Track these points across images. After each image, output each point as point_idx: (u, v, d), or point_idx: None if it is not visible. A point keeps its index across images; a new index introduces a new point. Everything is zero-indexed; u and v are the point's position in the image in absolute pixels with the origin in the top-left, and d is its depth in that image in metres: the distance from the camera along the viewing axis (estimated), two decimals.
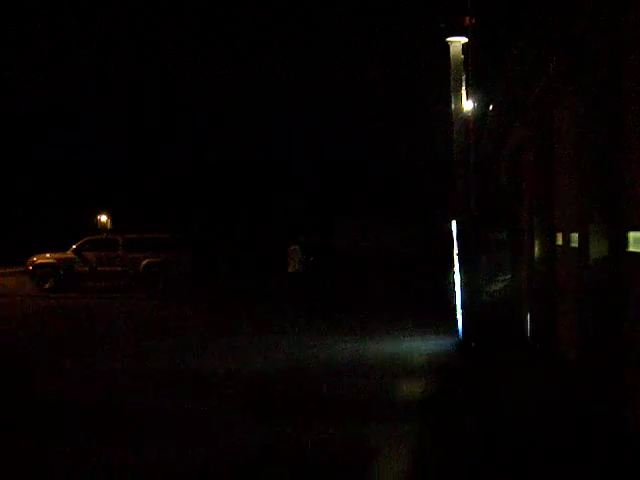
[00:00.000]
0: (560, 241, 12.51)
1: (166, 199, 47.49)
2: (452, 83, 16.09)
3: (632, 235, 8.16)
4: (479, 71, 17.70)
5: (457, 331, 16.05)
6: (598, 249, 8.96)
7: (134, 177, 48.32)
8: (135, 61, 46.47)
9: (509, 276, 16.16)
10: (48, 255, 30.50)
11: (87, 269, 29.88)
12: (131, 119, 47.39)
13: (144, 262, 29.25)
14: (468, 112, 17.55)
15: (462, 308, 15.54)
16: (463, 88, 16.49)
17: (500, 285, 15.85)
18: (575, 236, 10.50)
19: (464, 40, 16.37)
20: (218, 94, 46.19)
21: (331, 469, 7.91)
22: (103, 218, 56.28)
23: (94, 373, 12.99)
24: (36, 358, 14.72)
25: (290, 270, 23.15)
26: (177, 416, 9.98)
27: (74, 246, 30.38)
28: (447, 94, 16.48)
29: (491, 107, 18.65)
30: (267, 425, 9.43)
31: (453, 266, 16.25)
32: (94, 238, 31.80)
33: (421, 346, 15.68)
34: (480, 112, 19.48)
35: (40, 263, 30.14)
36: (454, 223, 15.95)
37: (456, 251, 15.85)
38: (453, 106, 16.23)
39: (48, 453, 8.36)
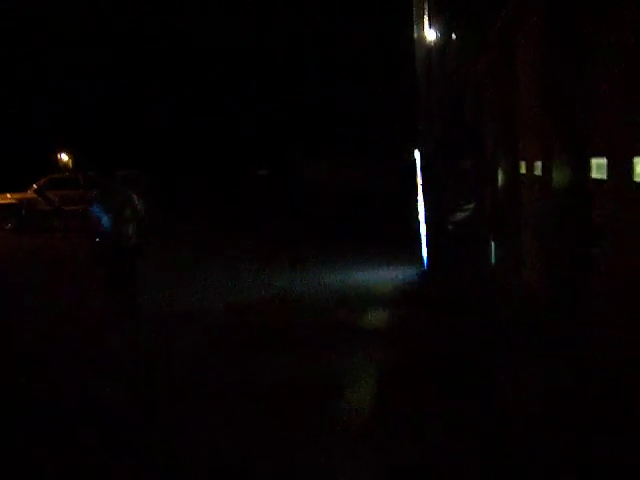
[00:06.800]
0: (524, 169, 12.56)
1: (129, 136, 46.70)
2: (414, 11, 15.89)
3: (595, 162, 8.19)
4: None
5: (422, 261, 16.12)
6: (562, 176, 9.00)
7: (96, 113, 47.36)
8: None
9: (473, 205, 16.22)
10: (9, 195, 29.90)
11: (50, 208, 29.41)
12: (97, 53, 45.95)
13: None
14: (431, 41, 17.35)
15: (426, 238, 15.61)
16: (426, 16, 16.29)
17: (464, 214, 15.90)
18: (539, 164, 10.54)
19: None
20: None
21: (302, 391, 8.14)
22: (64, 157, 55.29)
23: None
24: None
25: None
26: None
27: (35, 185, 29.87)
28: (411, 23, 16.27)
29: (454, 36, 18.51)
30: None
31: (417, 197, 16.25)
32: (56, 177, 31.26)
33: (387, 276, 15.76)
34: (443, 41, 19.31)
35: (1, 204, 29.65)
36: (417, 153, 15.88)
37: (420, 181, 15.84)
38: (415, 35, 16.06)
39: None
